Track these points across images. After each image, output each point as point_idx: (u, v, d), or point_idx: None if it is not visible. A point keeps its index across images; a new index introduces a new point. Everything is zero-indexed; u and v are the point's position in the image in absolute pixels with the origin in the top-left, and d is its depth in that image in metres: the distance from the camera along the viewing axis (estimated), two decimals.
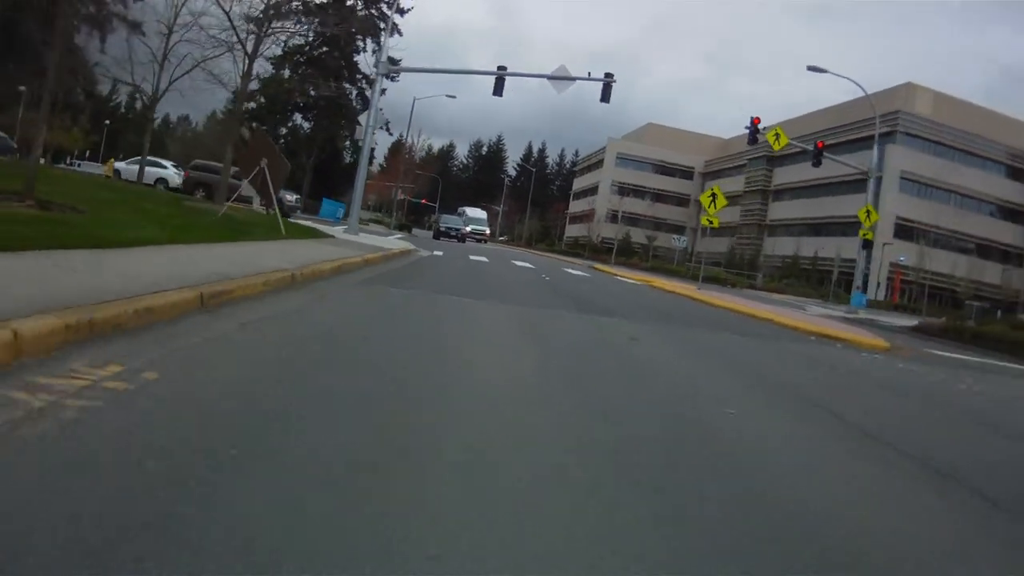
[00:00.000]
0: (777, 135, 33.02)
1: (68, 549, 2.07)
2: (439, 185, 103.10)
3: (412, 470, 3.19)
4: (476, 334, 7.99)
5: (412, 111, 57.61)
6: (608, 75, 29.07)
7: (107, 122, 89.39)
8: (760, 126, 33.41)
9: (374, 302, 9.56)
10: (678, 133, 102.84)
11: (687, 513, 3.22)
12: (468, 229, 64.96)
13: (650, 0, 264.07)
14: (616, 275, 34.69)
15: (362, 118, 32.23)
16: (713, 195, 28.63)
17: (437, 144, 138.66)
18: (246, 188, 18.34)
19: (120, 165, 44.37)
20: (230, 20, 22.50)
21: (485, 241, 66.22)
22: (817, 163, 33.42)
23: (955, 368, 13.99)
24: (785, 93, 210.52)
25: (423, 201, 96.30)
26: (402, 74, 49.82)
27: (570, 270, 31.66)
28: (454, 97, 61.36)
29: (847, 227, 67.60)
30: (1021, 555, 3.49)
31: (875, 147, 35.74)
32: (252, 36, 24.05)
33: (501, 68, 29.68)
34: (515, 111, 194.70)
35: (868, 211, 33.18)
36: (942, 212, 66.22)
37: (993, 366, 15.93)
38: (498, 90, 29.23)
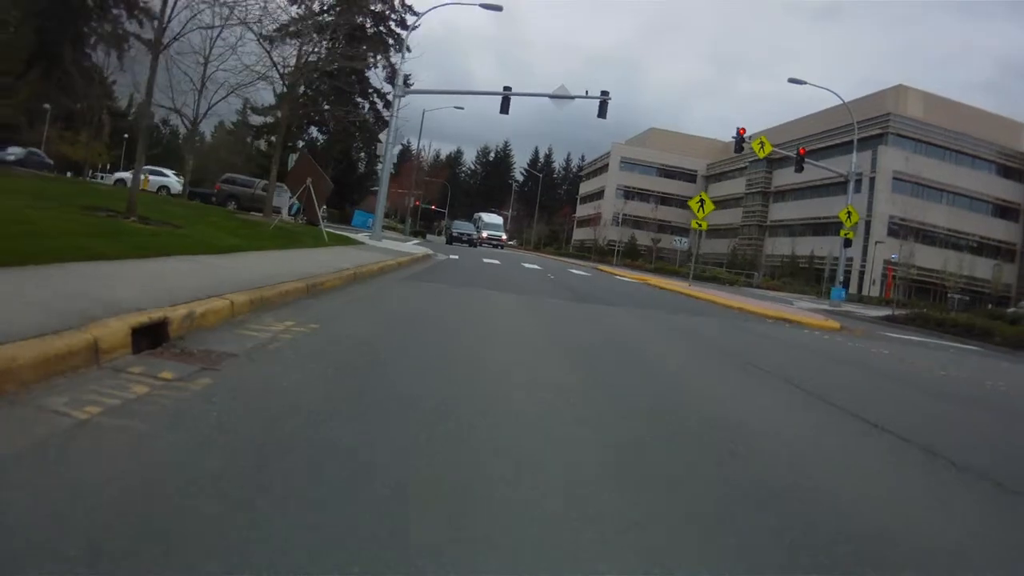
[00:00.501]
0: (762, 143, 36.09)
1: (330, 396, 5.17)
2: (448, 191, 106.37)
3: (472, 363, 6.33)
4: (497, 312, 11.10)
5: (422, 124, 59.88)
6: (604, 93, 32.22)
7: (125, 135, 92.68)
8: (747, 135, 36.39)
9: (419, 291, 12.65)
10: (681, 137, 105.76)
11: (615, 392, 6.32)
12: (485, 235, 67.15)
13: (653, 1, 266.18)
14: (616, 275, 37.79)
15: (382, 136, 35.25)
16: (701, 200, 31.75)
17: (445, 150, 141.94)
18: (277, 200, 21.45)
19: (123, 175, 47.44)
20: (271, 58, 25.41)
21: (502, 246, 68.24)
22: (799, 169, 36.36)
23: (888, 343, 17.06)
24: (790, 92, 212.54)
25: (432, 207, 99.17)
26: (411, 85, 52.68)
27: (574, 270, 34.78)
28: (462, 108, 64.06)
29: (839, 227, 70.76)
30: (904, 465, 4.93)
31: (854, 152, 39.00)
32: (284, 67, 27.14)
33: (507, 88, 32.84)
34: (521, 115, 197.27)
35: (849, 212, 36.20)
36: (935, 210, 69.02)
37: (928, 343, 19.01)
38: (504, 109, 32.39)
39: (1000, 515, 4.03)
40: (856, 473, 4.41)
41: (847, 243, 36.73)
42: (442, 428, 3.92)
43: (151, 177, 40.59)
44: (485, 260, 30.54)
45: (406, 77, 40.03)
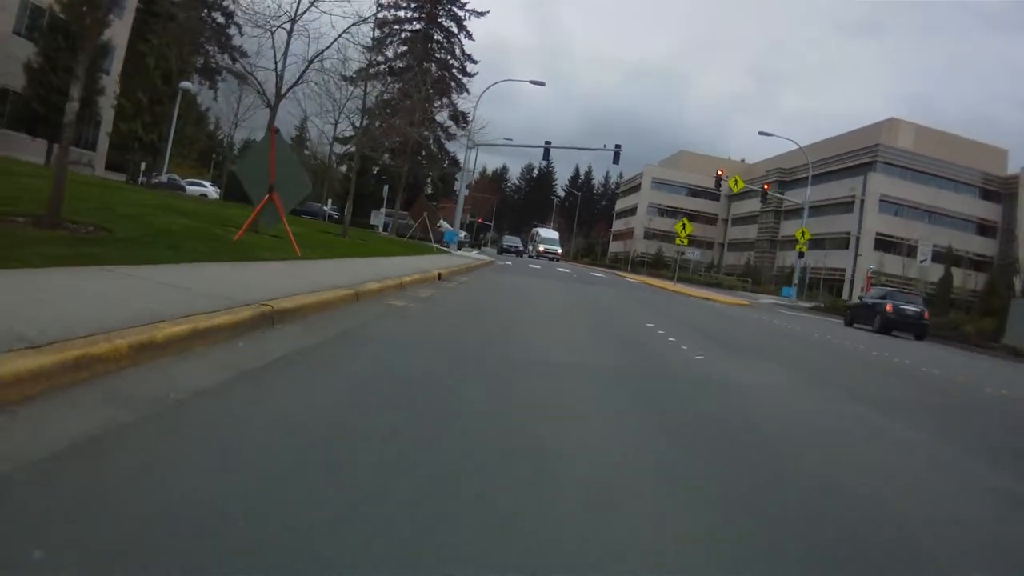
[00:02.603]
0: (736, 181, 49.37)
1: (470, 309, 18.96)
2: (495, 205, 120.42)
3: (525, 294, 20.05)
4: (536, 285, 24.71)
5: (476, 158, 73.13)
6: (617, 146, 45.90)
7: (213, 155, 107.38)
8: (724, 176, 49.76)
9: (496, 276, 26.25)
10: (707, 159, 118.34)
11: (572, 306, 20.06)
12: (542, 248, 78.65)
13: (697, 15, 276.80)
14: (626, 277, 51.38)
15: (461, 176, 49.29)
16: (684, 224, 45.22)
17: (491, 164, 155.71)
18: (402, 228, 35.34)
19: (206, 187, 60.24)
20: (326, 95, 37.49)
21: (558, 259, 76.90)
22: (764, 200, 49.63)
23: (771, 314, 30.52)
24: (828, 108, 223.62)
25: (479, 220, 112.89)
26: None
27: (595, 273, 48.40)
28: (511, 139, 77.51)
29: (837, 241, 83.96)
30: (722, 353, 19.89)
31: (807, 187, 51.96)
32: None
33: (547, 142, 46.62)
34: (567, 129, 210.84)
35: (803, 232, 49.37)
36: (918, 228, 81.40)
37: (798, 315, 32.50)
38: (545, 156, 46.17)
39: (779, 373, 17.61)
40: (687, 357, 17.99)
41: (800, 255, 49.81)
42: (514, 312, 17.60)
43: (190, 187, 51.61)
44: (531, 265, 44.25)
45: (474, 133, 54.16)
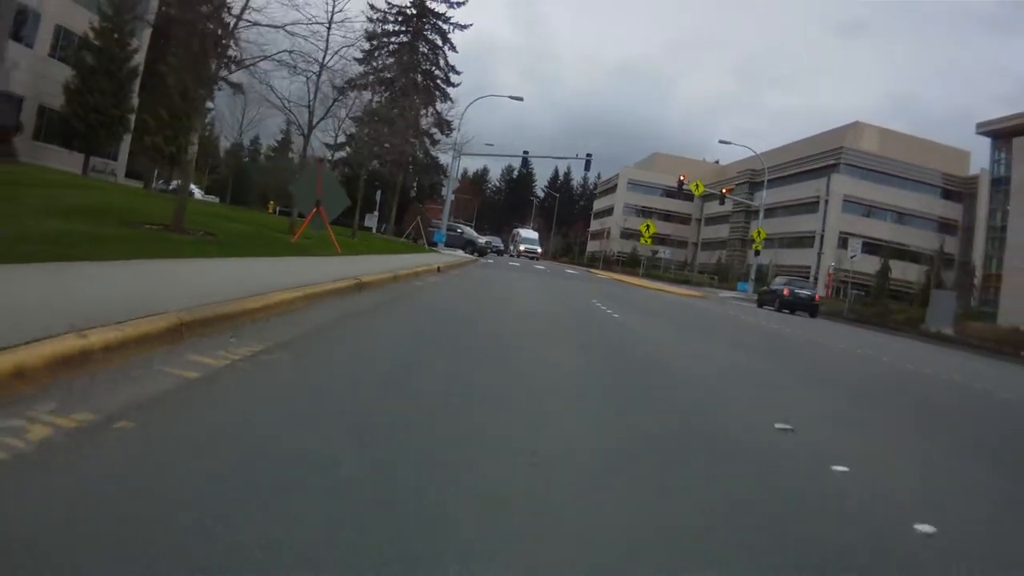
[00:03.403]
0: (697, 185, 55.39)
1: (460, 294, 24.90)
2: (475, 206, 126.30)
3: (506, 284, 25.97)
4: (517, 277, 30.62)
5: (457, 165, 78.45)
6: (588, 155, 51.76)
7: (209, 160, 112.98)
8: (687, 180, 55.76)
9: (481, 270, 32.13)
10: (681, 160, 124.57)
11: (540, 291, 26.00)
12: (523, 247, 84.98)
13: (681, 14, 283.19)
14: (597, 274, 57.39)
15: (446, 182, 55.12)
16: (648, 225, 51.21)
17: (472, 166, 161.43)
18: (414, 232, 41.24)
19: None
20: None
21: (538, 258, 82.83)
22: (722, 202, 55.59)
23: (720, 302, 36.52)
24: (812, 107, 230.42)
25: (461, 220, 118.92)
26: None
27: (568, 270, 54.31)
28: (492, 145, 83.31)
29: (803, 240, 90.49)
30: (661, 326, 25.78)
31: (764, 190, 58.00)
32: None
33: (525, 152, 52.49)
34: (548, 130, 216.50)
35: (759, 232, 55.41)
36: (880, 226, 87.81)
37: (743, 304, 38.58)
38: (524, 166, 52.02)
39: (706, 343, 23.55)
40: (608, 315, 23.92)
41: (756, 253, 55.88)
42: (494, 292, 23.50)
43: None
44: (511, 263, 50.16)
45: (459, 145, 60.01)
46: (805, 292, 38.72)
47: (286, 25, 19.36)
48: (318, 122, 26.07)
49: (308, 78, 25.02)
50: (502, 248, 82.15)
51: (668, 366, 9.87)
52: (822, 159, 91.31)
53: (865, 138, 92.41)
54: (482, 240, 57.54)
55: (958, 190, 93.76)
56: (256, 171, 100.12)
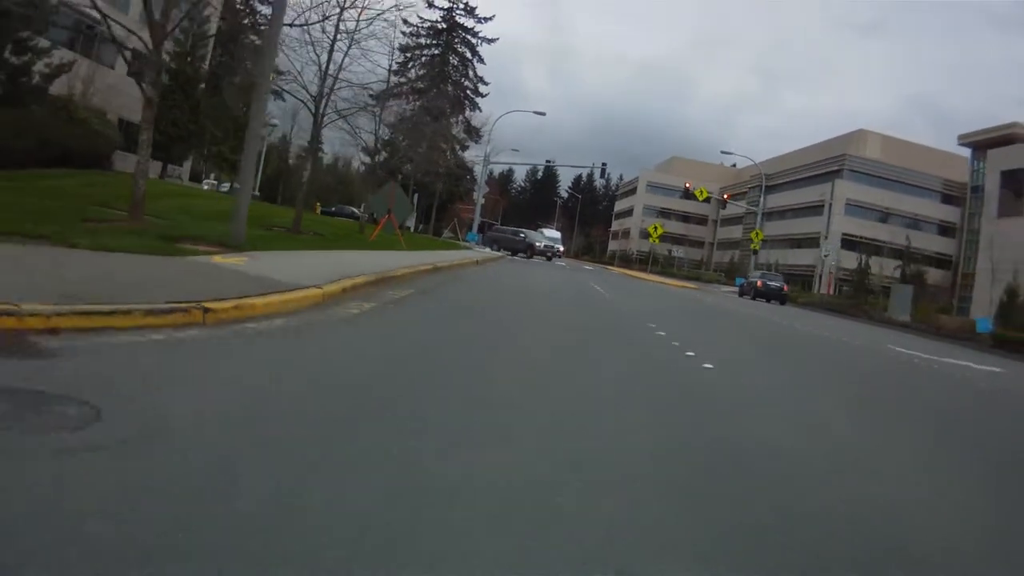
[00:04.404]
0: (701, 191, 62.65)
1: (496, 275, 32.54)
2: (502, 206, 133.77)
3: (524, 278, 33.59)
4: (538, 270, 38.16)
5: (484, 169, 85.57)
6: (603, 164, 59.26)
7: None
8: (692, 187, 63.00)
9: (509, 264, 39.70)
10: (699, 164, 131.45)
11: (553, 280, 33.63)
12: (543, 245, 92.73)
13: (702, 14, 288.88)
14: (611, 270, 64.84)
15: (477, 187, 62.71)
16: (656, 227, 58.54)
17: (497, 168, 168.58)
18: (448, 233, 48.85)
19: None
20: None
21: (560, 256, 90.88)
22: (723, 207, 62.77)
23: (711, 293, 43.95)
24: (829, 108, 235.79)
25: (485, 219, 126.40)
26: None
27: (586, 267, 61.77)
28: (517, 151, 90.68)
29: (808, 241, 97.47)
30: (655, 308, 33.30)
31: (762, 196, 65.07)
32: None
33: (549, 161, 60.04)
34: (571, 126, 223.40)
35: (757, 233, 62.59)
36: (881, 229, 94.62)
37: (730, 295, 46.07)
38: (547, 176, 59.34)
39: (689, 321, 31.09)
40: (602, 296, 31.45)
41: (755, 252, 63.11)
42: (521, 277, 31.08)
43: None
44: (534, 259, 57.72)
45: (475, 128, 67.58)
46: (775, 284, 46.31)
47: (367, 84, 27.22)
48: (378, 152, 33.62)
49: (375, 114, 32.60)
50: (561, 251, 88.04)
51: (617, 309, 17.47)
52: (827, 165, 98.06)
53: (869, 145, 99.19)
54: (541, 244, 62.48)
55: (957, 195, 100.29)
56: (288, 170, 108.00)
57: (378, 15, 25.54)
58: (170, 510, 2.91)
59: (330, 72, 25.75)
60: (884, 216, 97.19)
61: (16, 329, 5.64)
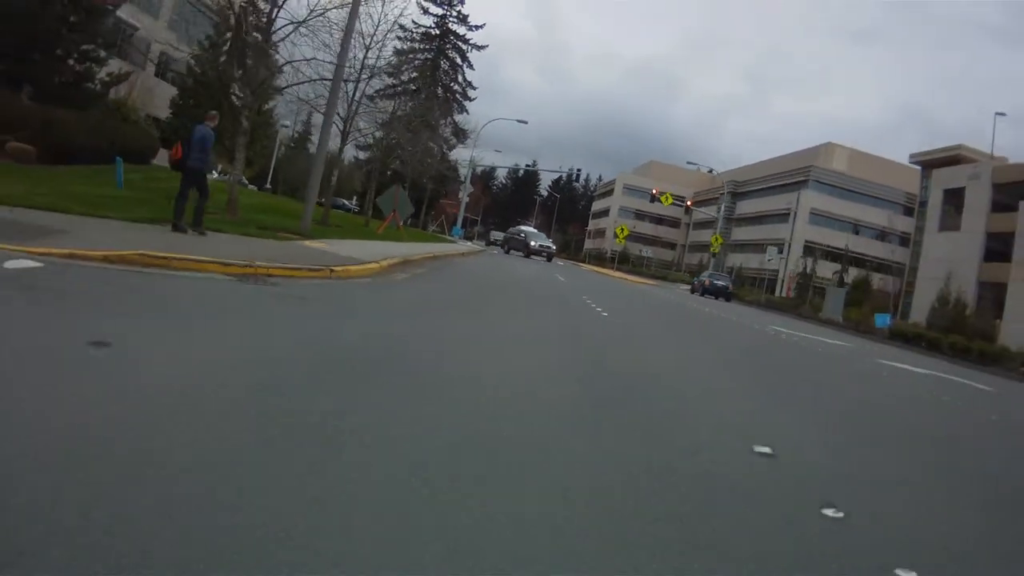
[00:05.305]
0: (666, 197, 69.74)
1: (481, 267, 39.61)
2: (483, 203, 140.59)
3: (503, 269, 40.62)
4: (517, 263, 45.14)
5: (470, 170, 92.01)
6: (579, 169, 66.36)
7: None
8: (660, 193, 70.08)
9: (490, 257, 46.66)
10: (676, 169, 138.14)
11: (518, 272, 40.73)
12: (536, 245, 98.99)
13: (694, 16, 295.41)
14: (581, 266, 72.01)
15: (463, 186, 69.60)
16: (622, 228, 65.64)
17: (480, 165, 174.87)
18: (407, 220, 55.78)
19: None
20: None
21: (550, 258, 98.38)
22: (687, 212, 69.71)
23: (668, 289, 51.13)
24: (815, 115, 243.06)
25: (467, 214, 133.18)
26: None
27: (559, 262, 68.78)
28: (499, 151, 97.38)
29: (776, 246, 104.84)
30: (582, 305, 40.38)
31: (720, 204, 72.23)
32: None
33: (529, 165, 66.73)
34: (558, 123, 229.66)
35: (717, 237, 69.75)
36: (842, 238, 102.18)
37: (672, 289, 53.30)
38: (531, 183, 66.30)
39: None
40: (561, 282, 38.53)
41: (713, 255, 70.32)
42: (501, 265, 38.10)
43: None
44: (513, 252, 64.73)
45: (463, 130, 74.63)
46: (721, 283, 53.52)
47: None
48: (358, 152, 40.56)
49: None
50: (554, 251, 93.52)
51: (569, 290, 24.40)
52: (794, 175, 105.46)
53: (836, 157, 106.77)
54: (534, 243, 66.34)
55: (912, 206, 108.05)
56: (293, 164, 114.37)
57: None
58: (355, 338, 9.98)
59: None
60: (854, 227, 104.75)
61: (255, 274, 12.54)
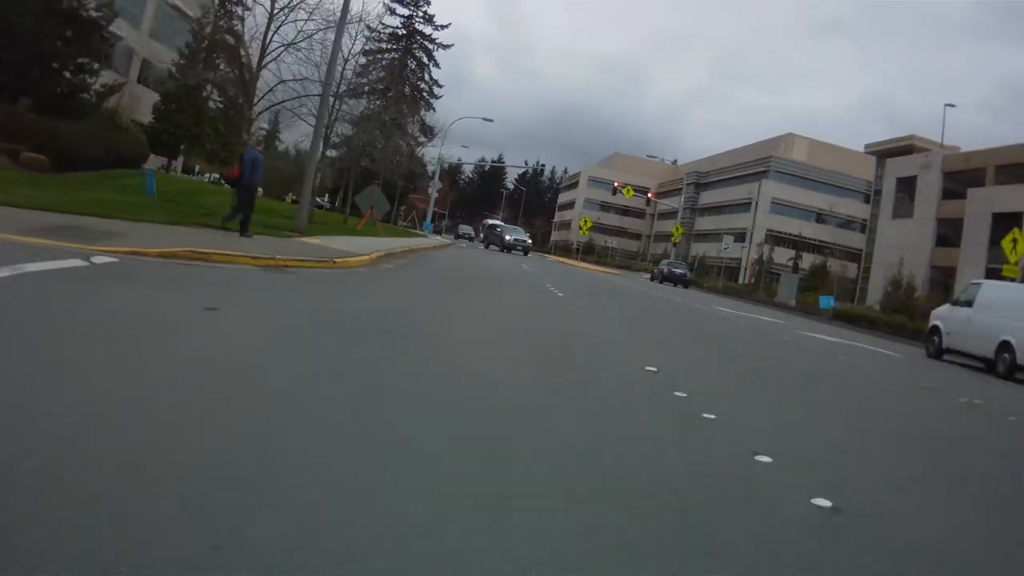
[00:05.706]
0: (628, 190, 73.07)
1: (451, 260, 42.77)
2: (451, 198, 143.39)
3: (474, 262, 43.79)
4: (486, 255, 48.29)
5: (438, 167, 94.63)
6: (543, 165, 69.39)
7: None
8: (622, 186, 73.37)
9: (458, 250, 49.81)
10: (640, 161, 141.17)
11: (485, 262, 43.92)
12: (511, 239, 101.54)
13: (660, 10, 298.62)
14: (547, 257, 75.31)
15: (432, 183, 72.62)
16: (585, 221, 68.92)
17: (446, 158, 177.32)
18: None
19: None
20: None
21: (527, 252, 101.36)
22: (648, 203, 73.15)
23: (629, 278, 54.46)
24: (780, 107, 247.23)
25: (436, 209, 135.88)
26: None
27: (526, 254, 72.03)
28: (467, 147, 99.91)
29: (738, 236, 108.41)
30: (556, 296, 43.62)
31: (681, 196, 75.66)
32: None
33: (495, 161, 69.82)
34: (526, 117, 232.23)
35: (678, 228, 73.16)
36: (803, 226, 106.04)
37: (635, 278, 56.70)
38: (497, 178, 69.40)
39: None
40: (523, 268, 41.76)
41: (674, 245, 73.74)
42: (472, 255, 41.27)
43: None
44: (492, 247, 67.83)
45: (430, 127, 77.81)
46: (679, 271, 57.00)
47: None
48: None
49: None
50: (472, 235, 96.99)
51: (532, 276, 27.62)
52: (755, 166, 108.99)
53: (796, 147, 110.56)
54: (509, 237, 68.54)
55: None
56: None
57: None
58: (373, 310, 13.19)
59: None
60: (818, 216, 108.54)
61: (275, 265, 15.65)
